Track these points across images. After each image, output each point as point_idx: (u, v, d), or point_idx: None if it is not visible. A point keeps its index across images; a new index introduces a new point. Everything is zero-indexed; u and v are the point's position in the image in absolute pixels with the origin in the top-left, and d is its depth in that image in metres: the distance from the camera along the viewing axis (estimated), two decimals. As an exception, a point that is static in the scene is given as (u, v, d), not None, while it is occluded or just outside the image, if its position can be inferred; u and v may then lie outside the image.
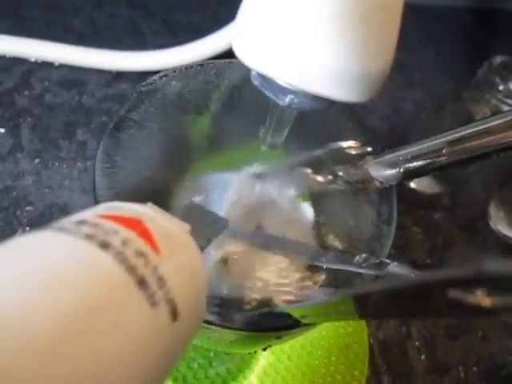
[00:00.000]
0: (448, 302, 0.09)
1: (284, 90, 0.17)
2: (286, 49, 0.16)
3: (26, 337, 0.09)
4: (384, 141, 0.47)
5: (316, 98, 0.17)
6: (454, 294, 0.08)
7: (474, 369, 0.38)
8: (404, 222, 0.43)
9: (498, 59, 0.40)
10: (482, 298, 0.08)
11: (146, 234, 0.13)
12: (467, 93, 0.41)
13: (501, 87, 0.39)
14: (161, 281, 0.12)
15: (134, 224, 0.13)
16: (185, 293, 0.13)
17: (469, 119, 0.41)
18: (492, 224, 0.44)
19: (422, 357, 0.38)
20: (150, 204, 0.15)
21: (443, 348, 0.38)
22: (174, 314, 0.13)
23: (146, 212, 0.15)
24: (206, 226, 0.19)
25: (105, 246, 0.12)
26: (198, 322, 0.15)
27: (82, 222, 0.13)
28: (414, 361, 0.37)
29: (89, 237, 0.12)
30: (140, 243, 0.13)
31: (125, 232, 0.13)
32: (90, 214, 0.14)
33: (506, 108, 0.39)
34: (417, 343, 0.38)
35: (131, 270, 0.12)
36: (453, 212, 0.45)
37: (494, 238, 0.44)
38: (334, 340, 0.36)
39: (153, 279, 0.12)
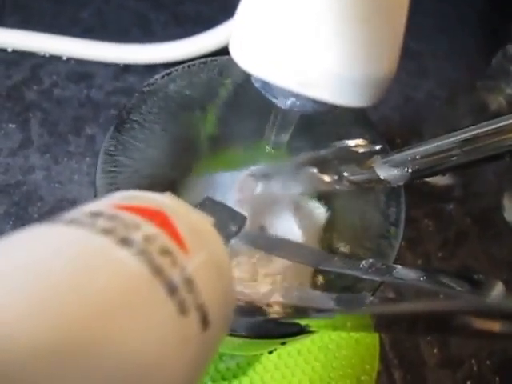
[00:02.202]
0: (456, 325, 0.08)
1: (285, 93, 0.17)
2: (285, 53, 0.16)
3: (32, 348, 0.08)
4: (396, 131, 0.46)
5: (318, 101, 0.17)
6: (462, 318, 0.08)
7: (488, 362, 0.37)
8: (416, 215, 0.42)
9: (513, 47, 0.39)
10: (490, 323, 0.08)
11: (170, 229, 0.12)
12: (481, 82, 0.40)
13: (515, 76, 0.38)
14: (190, 283, 0.11)
15: (156, 216, 0.12)
16: (215, 297, 0.12)
17: (483, 109, 0.40)
18: (506, 215, 0.44)
19: (435, 350, 0.37)
20: (168, 194, 0.14)
21: (456, 341, 0.38)
22: (205, 323, 0.11)
23: (168, 203, 0.13)
24: (224, 223, 0.17)
25: (125, 242, 0.10)
26: (227, 328, 0.13)
27: (97, 214, 0.11)
28: (426, 355, 0.37)
29: (106, 231, 0.10)
30: (165, 239, 0.11)
31: (147, 226, 0.11)
32: (105, 204, 0.12)
33: (521, 98, 0.38)
34: (429, 337, 0.37)
35: (157, 271, 0.10)
36: (465, 203, 0.44)
37: (508, 229, 0.43)
38: (344, 334, 0.36)
39: (181, 282, 0.11)
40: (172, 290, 0.10)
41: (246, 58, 0.17)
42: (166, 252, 0.11)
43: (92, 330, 0.09)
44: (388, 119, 0.47)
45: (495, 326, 0.08)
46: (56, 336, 0.08)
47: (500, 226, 0.43)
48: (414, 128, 0.46)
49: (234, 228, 0.18)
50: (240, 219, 0.19)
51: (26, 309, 0.08)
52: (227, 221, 0.18)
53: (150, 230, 0.11)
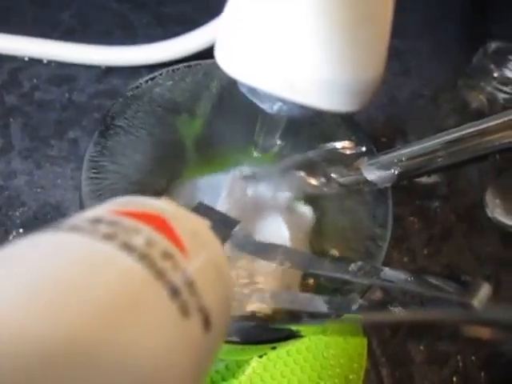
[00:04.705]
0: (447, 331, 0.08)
1: (272, 98, 0.17)
2: (271, 59, 0.16)
3: (38, 353, 0.08)
4: (381, 130, 0.46)
5: (305, 106, 0.17)
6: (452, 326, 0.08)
7: (473, 358, 0.38)
8: (401, 213, 0.43)
9: (493, 45, 0.39)
10: (480, 329, 0.08)
11: (170, 232, 0.12)
12: (462, 80, 0.41)
13: (495, 74, 0.38)
14: (191, 286, 0.11)
15: (155, 221, 0.12)
16: (215, 298, 0.12)
17: (464, 107, 0.41)
18: (489, 212, 0.44)
19: (421, 347, 0.38)
20: (165, 198, 0.14)
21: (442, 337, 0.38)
22: (207, 324, 0.11)
23: (166, 207, 0.13)
24: (217, 227, 0.17)
25: (127, 247, 0.10)
26: (227, 329, 0.13)
27: (97, 220, 0.11)
28: (412, 352, 0.37)
29: (108, 237, 0.10)
30: (165, 243, 0.11)
31: (147, 230, 0.11)
32: (104, 210, 0.12)
33: (501, 95, 0.38)
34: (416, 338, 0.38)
35: (160, 275, 0.10)
36: (450, 201, 0.44)
37: (491, 225, 0.43)
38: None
39: (183, 284, 0.11)
40: (174, 292, 0.10)
41: (232, 64, 0.17)
42: (167, 256, 0.11)
43: (97, 333, 0.09)
44: (373, 118, 0.47)
45: (483, 332, 0.08)
46: (61, 339, 0.08)
47: (483, 223, 0.44)
48: (398, 127, 0.46)
49: (227, 232, 0.18)
50: (232, 223, 0.19)
51: (31, 313, 0.08)
52: (219, 225, 0.18)
53: (150, 235, 0.11)
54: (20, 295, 0.08)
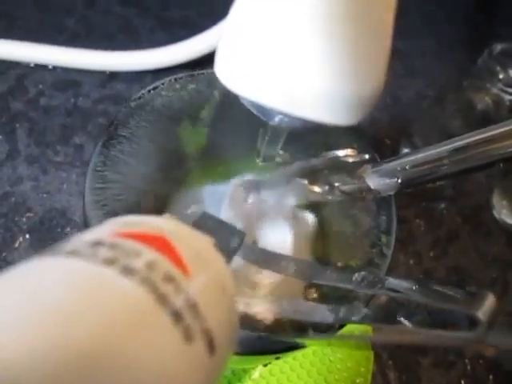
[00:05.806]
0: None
1: (273, 111, 0.17)
2: (271, 73, 0.16)
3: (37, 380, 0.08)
4: (385, 132, 0.46)
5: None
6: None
7: (480, 361, 0.37)
8: (407, 215, 0.43)
9: (499, 46, 0.39)
10: (484, 347, 0.08)
11: (171, 253, 0.11)
12: (468, 81, 0.40)
13: (501, 76, 0.38)
14: (194, 309, 0.11)
15: (157, 242, 0.12)
16: (220, 319, 0.12)
17: (470, 108, 0.40)
18: (495, 213, 0.44)
19: (428, 351, 0.37)
20: (167, 216, 0.14)
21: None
22: (211, 348, 0.11)
23: (167, 226, 0.13)
24: (224, 240, 0.16)
25: (128, 271, 0.10)
26: (233, 348, 0.13)
27: (97, 243, 0.11)
28: (419, 355, 0.37)
29: (108, 261, 0.10)
30: (167, 265, 0.11)
31: (149, 253, 0.11)
32: (104, 232, 0.12)
33: (507, 97, 0.38)
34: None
35: (162, 299, 0.10)
36: (456, 202, 0.44)
37: (498, 227, 0.43)
38: (338, 338, 0.36)
39: (186, 308, 0.10)
40: (177, 317, 0.10)
41: (232, 79, 0.17)
42: (169, 279, 0.11)
43: (98, 360, 0.08)
44: (376, 120, 0.47)
45: (489, 351, 0.08)
46: (62, 367, 0.08)
47: (490, 225, 0.43)
48: (402, 128, 0.46)
49: (234, 245, 0.18)
50: (239, 235, 0.18)
51: (24, 345, 0.08)
52: (226, 238, 0.17)
53: (151, 257, 0.11)
54: (16, 324, 0.08)
